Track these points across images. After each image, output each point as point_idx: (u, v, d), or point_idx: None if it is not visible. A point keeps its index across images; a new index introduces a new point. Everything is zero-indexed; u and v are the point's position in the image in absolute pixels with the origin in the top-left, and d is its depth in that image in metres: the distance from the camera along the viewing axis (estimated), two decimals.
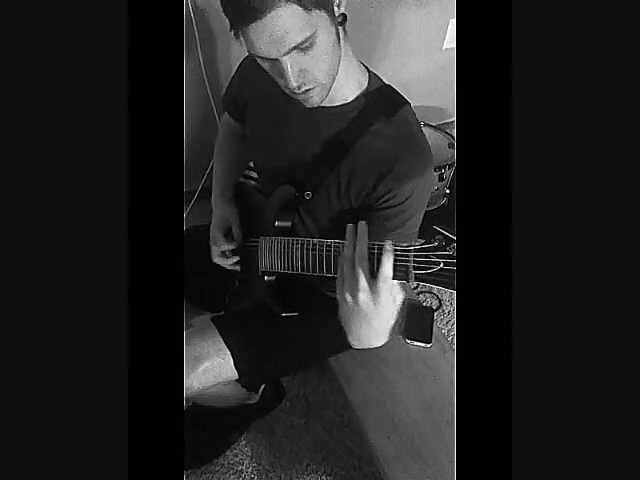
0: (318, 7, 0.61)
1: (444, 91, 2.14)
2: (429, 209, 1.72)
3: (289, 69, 0.66)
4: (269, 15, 0.59)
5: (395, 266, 0.56)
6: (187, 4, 1.33)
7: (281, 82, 0.71)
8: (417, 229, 0.82)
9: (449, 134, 1.81)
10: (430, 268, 0.52)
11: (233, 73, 1.00)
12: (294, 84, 0.68)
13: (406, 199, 0.76)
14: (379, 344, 0.72)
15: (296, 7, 0.59)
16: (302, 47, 0.64)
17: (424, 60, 2.00)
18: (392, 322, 0.65)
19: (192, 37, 1.41)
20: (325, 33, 0.65)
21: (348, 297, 0.61)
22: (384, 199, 0.77)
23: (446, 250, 0.50)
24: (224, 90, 1.05)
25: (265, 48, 0.63)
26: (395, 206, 0.76)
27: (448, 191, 1.79)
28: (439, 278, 0.52)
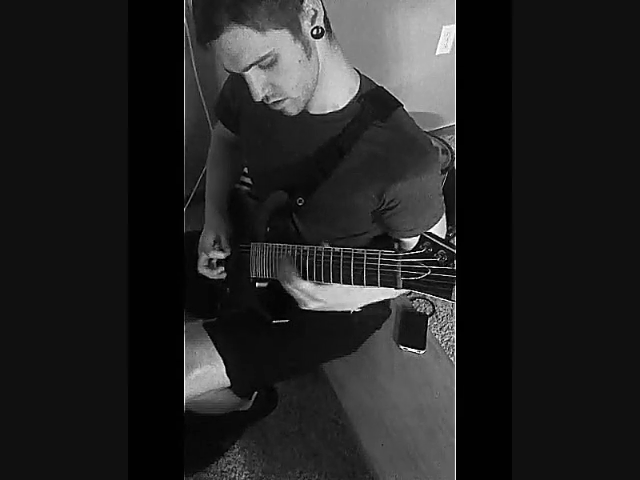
0: (277, 27, 0.62)
1: (438, 97, 2.16)
2: None
3: (253, 83, 0.68)
4: (223, 35, 0.61)
5: (382, 272, 0.56)
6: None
7: None
8: (437, 219, 0.81)
9: (443, 140, 1.81)
10: (418, 275, 0.52)
11: (225, 81, 1.00)
12: (260, 96, 0.70)
13: (411, 197, 0.76)
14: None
15: (248, 30, 0.61)
16: (262, 65, 0.66)
17: (418, 66, 2.01)
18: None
19: (186, 43, 1.41)
20: (288, 51, 0.65)
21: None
22: (391, 202, 0.77)
23: (434, 257, 0.50)
24: (217, 96, 1.05)
25: (226, 63, 0.66)
26: (401, 204, 0.76)
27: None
28: (427, 285, 0.52)
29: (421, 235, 0.52)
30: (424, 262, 0.52)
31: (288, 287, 0.72)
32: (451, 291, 0.49)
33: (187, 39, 1.40)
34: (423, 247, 0.52)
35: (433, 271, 0.51)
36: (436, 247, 0.50)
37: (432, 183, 0.79)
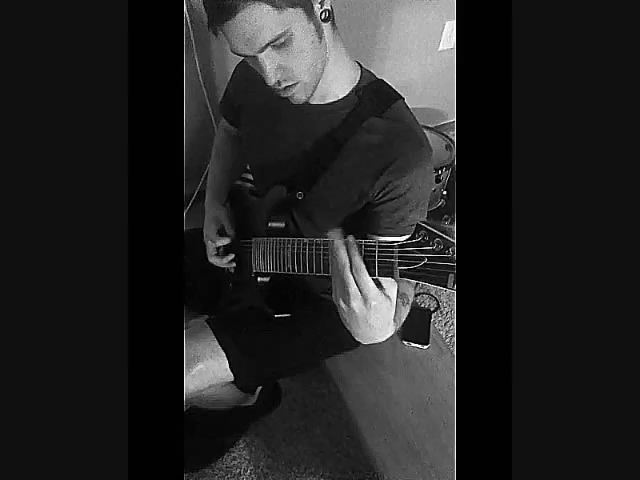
0: (292, 5, 0.62)
1: (440, 93, 2.15)
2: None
3: (266, 66, 0.67)
4: (240, 14, 0.60)
5: (380, 262, 0.56)
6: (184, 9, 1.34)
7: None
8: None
9: (446, 136, 1.81)
10: (414, 264, 0.52)
11: (229, 78, 1.00)
12: (272, 80, 0.70)
13: (406, 191, 0.75)
14: (384, 338, 0.72)
15: (266, 6, 0.60)
16: (276, 44, 0.65)
17: (420, 62, 2.00)
18: (391, 315, 0.65)
19: (189, 41, 1.42)
20: (302, 31, 0.65)
21: (342, 304, 0.62)
22: (384, 192, 0.76)
23: (429, 245, 0.50)
24: (221, 94, 1.06)
25: (240, 45, 0.65)
26: (395, 199, 0.76)
27: (445, 192, 1.79)
28: (423, 274, 0.52)
29: (417, 224, 0.52)
30: (420, 251, 0.52)
31: (348, 277, 0.59)
32: (447, 279, 0.49)
33: (189, 37, 1.40)
34: (419, 236, 0.51)
35: (429, 259, 0.51)
36: (432, 235, 0.50)
37: (426, 180, 0.78)
